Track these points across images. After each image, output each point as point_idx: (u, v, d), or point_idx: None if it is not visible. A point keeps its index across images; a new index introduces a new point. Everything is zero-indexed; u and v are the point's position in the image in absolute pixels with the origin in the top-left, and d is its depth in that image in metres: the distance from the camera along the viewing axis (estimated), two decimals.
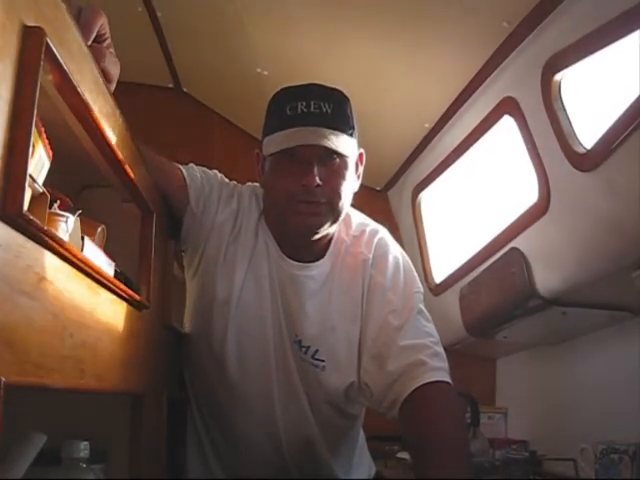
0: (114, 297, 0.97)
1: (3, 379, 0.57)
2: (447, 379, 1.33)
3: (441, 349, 1.39)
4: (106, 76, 1.01)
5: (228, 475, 1.53)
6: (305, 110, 1.33)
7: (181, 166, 1.47)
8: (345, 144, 1.35)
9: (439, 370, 1.33)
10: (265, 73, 2.36)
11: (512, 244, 2.02)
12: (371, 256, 1.49)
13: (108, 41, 1.00)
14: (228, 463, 1.53)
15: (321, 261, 1.48)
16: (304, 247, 1.46)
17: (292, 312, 1.46)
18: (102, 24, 0.96)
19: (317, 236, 1.42)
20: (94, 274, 0.85)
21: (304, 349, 1.46)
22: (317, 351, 1.46)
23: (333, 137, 1.32)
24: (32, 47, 0.64)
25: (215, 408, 1.52)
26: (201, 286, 1.49)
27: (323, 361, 1.46)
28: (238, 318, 1.44)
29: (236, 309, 1.44)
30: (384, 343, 1.39)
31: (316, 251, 1.48)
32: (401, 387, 1.32)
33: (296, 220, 1.38)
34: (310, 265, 1.47)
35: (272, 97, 1.43)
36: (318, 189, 1.34)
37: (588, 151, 1.61)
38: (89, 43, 0.90)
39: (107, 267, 0.97)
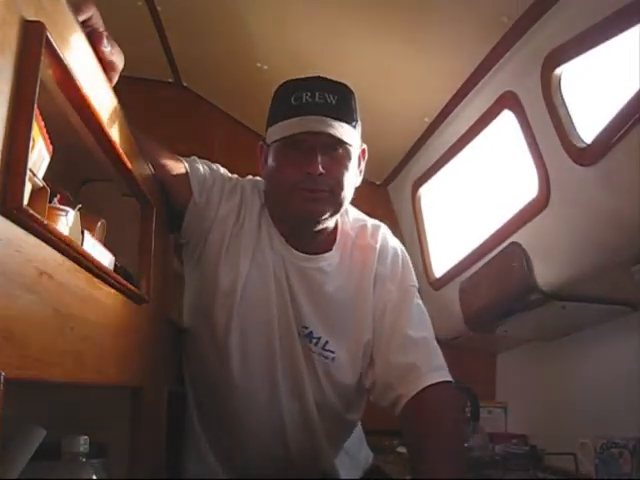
0: (114, 291, 0.98)
1: (3, 373, 0.57)
2: (447, 377, 1.38)
3: (436, 344, 1.45)
4: (111, 67, 1.01)
5: (228, 470, 1.52)
6: (310, 100, 1.34)
7: (184, 158, 1.47)
8: (348, 134, 1.35)
9: (439, 370, 1.39)
10: (265, 67, 2.35)
11: (512, 238, 2.02)
12: (378, 246, 1.52)
13: (101, 29, 0.97)
14: (229, 458, 1.52)
15: (329, 253, 1.49)
16: (309, 238, 1.47)
17: (301, 304, 1.46)
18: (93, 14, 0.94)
19: (319, 226, 1.43)
20: (94, 268, 0.85)
21: (315, 340, 1.46)
22: (327, 342, 1.46)
23: (337, 126, 1.33)
24: (32, 41, 0.64)
25: (216, 404, 1.51)
26: (203, 278, 1.48)
27: (333, 352, 1.47)
28: (243, 309, 1.44)
29: (241, 300, 1.44)
30: (390, 335, 1.44)
31: (321, 243, 1.49)
32: (403, 389, 1.38)
33: (298, 208, 1.38)
34: (318, 257, 1.48)
35: (277, 88, 1.44)
36: (321, 178, 1.35)
37: (588, 145, 1.61)
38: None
39: (107, 261, 0.97)
